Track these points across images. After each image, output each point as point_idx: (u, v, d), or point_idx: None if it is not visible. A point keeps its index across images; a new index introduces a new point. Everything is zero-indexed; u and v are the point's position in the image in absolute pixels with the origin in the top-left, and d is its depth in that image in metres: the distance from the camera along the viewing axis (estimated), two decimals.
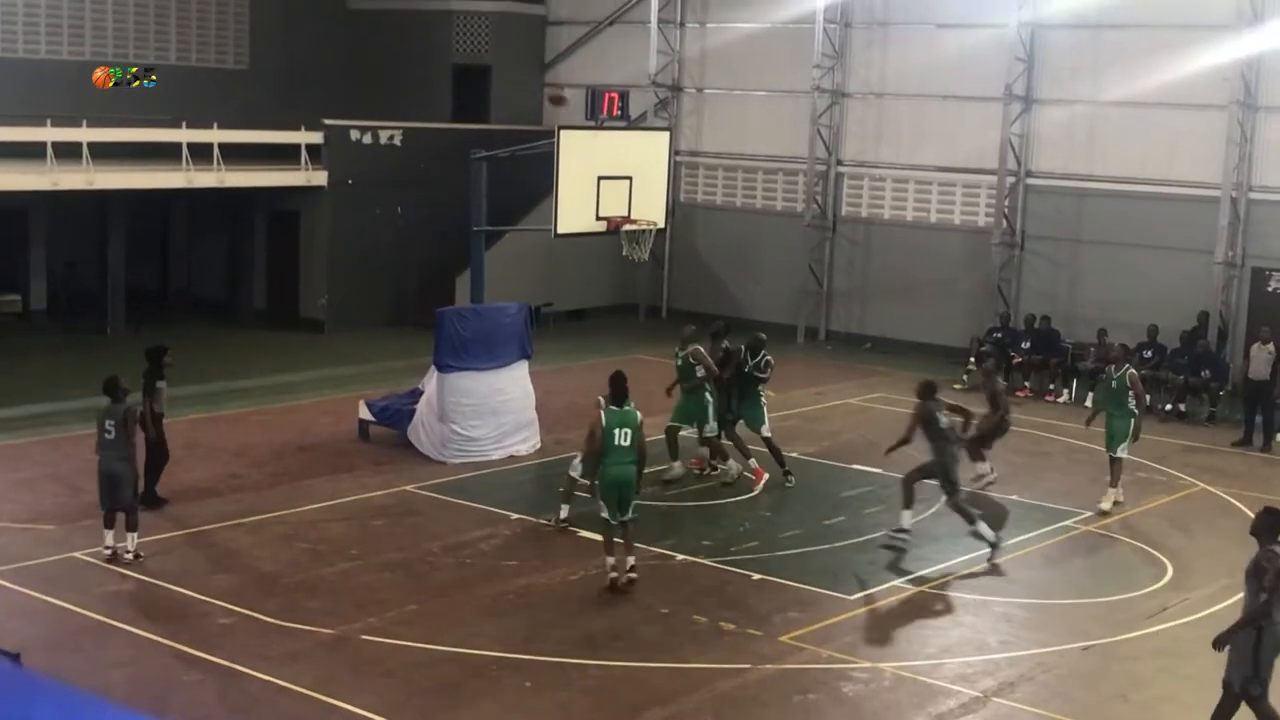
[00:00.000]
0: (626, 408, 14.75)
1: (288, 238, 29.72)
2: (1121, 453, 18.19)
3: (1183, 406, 24.05)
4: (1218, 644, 11.07)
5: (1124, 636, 13.99)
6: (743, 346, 19.03)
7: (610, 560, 14.72)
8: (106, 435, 14.94)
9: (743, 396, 18.93)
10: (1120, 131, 26.78)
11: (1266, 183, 25.41)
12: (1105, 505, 18.10)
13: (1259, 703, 11.00)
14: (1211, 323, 25.31)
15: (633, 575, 14.76)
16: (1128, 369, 18.48)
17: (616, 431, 14.63)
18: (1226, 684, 11.12)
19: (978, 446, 18.50)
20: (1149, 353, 24.68)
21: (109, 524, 15.00)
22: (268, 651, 12.85)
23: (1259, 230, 25.52)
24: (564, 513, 16.60)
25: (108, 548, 14.93)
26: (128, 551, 14.89)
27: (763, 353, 18.84)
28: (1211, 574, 15.97)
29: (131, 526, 14.99)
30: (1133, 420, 18.14)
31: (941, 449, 16.29)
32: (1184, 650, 13.79)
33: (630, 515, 14.70)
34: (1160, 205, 26.34)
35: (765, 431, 18.90)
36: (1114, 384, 18.36)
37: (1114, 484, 18.26)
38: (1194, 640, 14.02)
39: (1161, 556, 16.47)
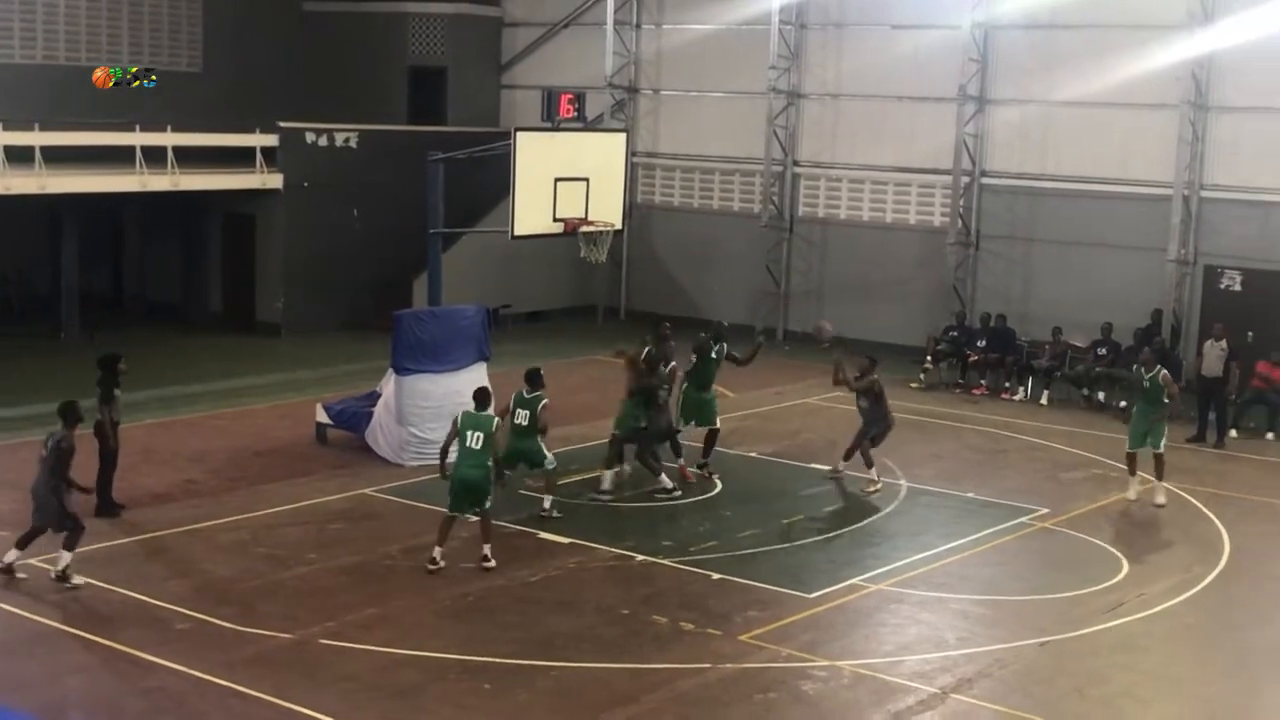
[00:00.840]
0: (484, 412, 15.38)
1: (243, 241, 29.53)
2: (1162, 447, 18.60)
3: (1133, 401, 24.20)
4: None
5: (1080, 632, 14.09)
6: (707, 335, 19.48)
7: (439, 549, 15.07)
8: (42, 454, 14.51)
9: (702, 386, 19.14)
10: (1073, 131, 26.99)
11: (1218, 181, 25.66)
12: (1160, 499, 18.47)
13: None
14: (1165, 320, 25.54)
15: (487, 564, 15.14)
16: (1159, 370, 18.81)
17: (469, 433, 15.16)
18: None
19: (864, 447, 18.69)
20: (1104, 350, 24.89)
21: (21, 543, 14.50)
22: (225, 657, 12.78)
23: (1211, 228, 25.77)
24: (545, 502, 17.13)
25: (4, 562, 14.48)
26: (55, 571, 14.34)
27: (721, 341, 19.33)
28: (1167, 569, 16.13)
29: (67, 546, 14.34)
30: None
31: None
32: (1140, 645, 13.93)
33: (485, 507, 15.25)
34: (1113, 204, 26.56)
35: (717, 423, 19.20)
36: (1147, 384, 18.73)
37: (1160, 477, 18.58)
38: (1150, 635, 14.20)
39: (1117, 552, 16.61)
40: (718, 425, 19.33)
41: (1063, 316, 26.00)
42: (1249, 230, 25.38)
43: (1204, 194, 25.78)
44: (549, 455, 16.94)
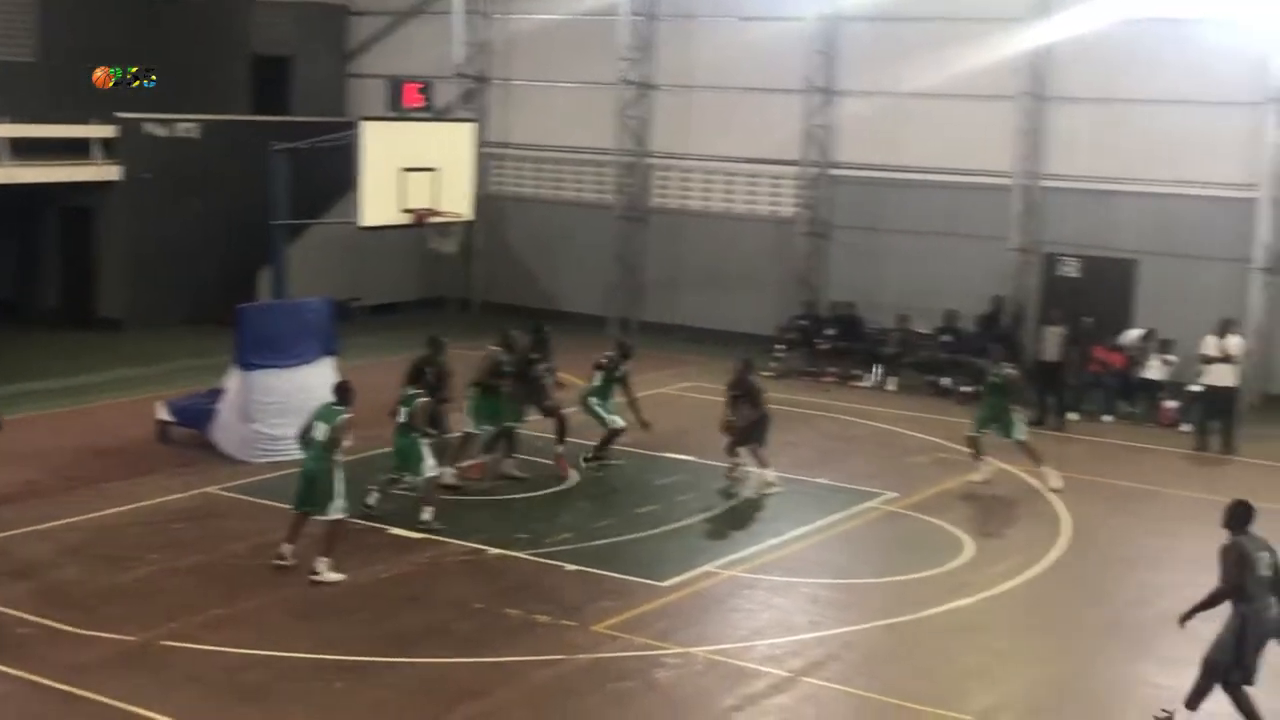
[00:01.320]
0: (335, 407, 14.98)
1: (82, 234, 28.79)
2: (1022, 435, 19.08)
3: (980, 388, 24.72)
4: (1182, 621, 11.55)
5: (927, 613, 14.36)
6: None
7: (288, 546, 14.84)
8: None
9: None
10: (918, 122, 27.44)
11: (1057, 170, 26.31)
12: (1054, 483, 18.86)
13: (1237, 690, 11.20)
14: (1006, 307, 26.14)
15: (314, 577, 14.54)
16: (1006, 367, 19.40)
17: (314, 424, 14.96)
18: (1205, 662, 11.35)
19: (739, 442, 18.71)
20: (948, 337, 25.39)
21: None
22: (68, 661, 12.44)
23: (1050, 217, 26.42)
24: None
25: None
26: None
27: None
28: (1009, 550, 16.53)
29: None
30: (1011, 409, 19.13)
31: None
32: (985, 625, 14.24)
33: (323, 514, 14.73)
34: (957, 194, 27.09)
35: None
36: (997, 379, 19.27)
37: (1039, 463, 19.03)
38: (994, 615, 14.53)
39: (961, 534, 16.95)
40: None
41: (909, 304, 26.47)
42: (1087, 218, 26.07)
43: (1043, 184, 26.41)
44: (429, 461, 16.41)
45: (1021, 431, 19.20)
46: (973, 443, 19.28)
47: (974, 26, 26.47)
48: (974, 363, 24.64)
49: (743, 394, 18.72)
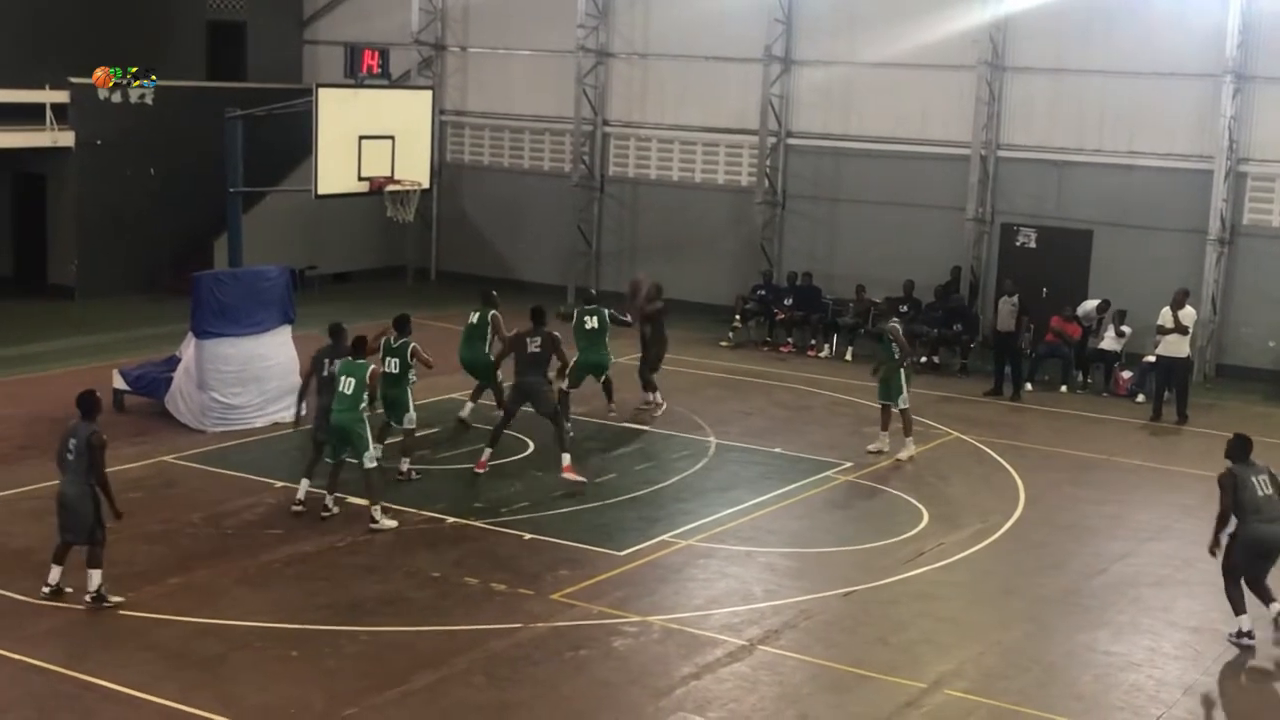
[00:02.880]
0: (359, 360, 15.58)
1: (34, 201, 28.50)
2: (902, 403, 18.87)
3: (936, 359, 24.92)
4: (1212, 551, 13.41)
5: (883, 582, 14.45)
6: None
7: (330, 497, 15.51)
8: (67, 456, 13.03)
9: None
10: (876, 92, 27.47)
11: (1013, 141, 26.40)
12: (905, 454, 18.80)
13: (1253, 584, 13.29)
14: (964, 277, 26.25)
15: (374, 525, 15.26)
16: (890, 323, 19.24)
17: (342, 379, 15.38)
18: (1223, 569, 13.37)
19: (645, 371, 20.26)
20: (905, 307, 25.45)
21: (59, 558, 13.09)
22: (20, 630, 12.38)
23: (1007, 187, 26.53)
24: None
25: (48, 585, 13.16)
26: (89, 594, 13.00)
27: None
28: (965, 519, 16.63)
29: (94, 564, 12.99)
30: (900, 371, 18.86)
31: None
32: (940, 594, 14.33)
33: (361, 462, 15.33)
34: (915, 164, 27.15)
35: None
36: (880, 341, 19.24)
37: (906, 432, 18.94)
38: (949, 583, 14.63)
39: (918, 503, 17.05)
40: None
41: (866, 274, 26.54)
42: (1043, 189, 26.20)
43: (1000, 154, 26.50)
44: (411, 413, 16.91)
45: (900, 399, 18.83)
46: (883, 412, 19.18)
47: None
48: (931, 332, 24.80)
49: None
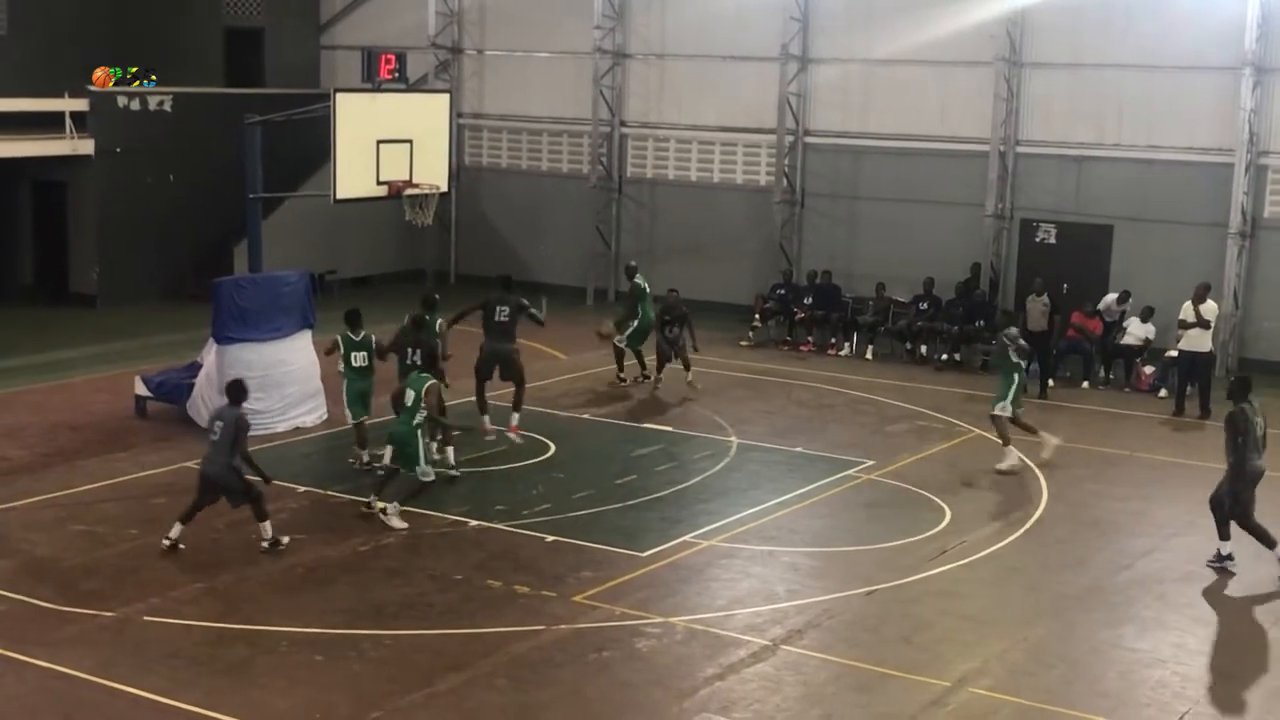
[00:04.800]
0: (423, 374, 16.03)
1: (55, 209, 28.60)
2: (996, 408, 18.46)
3: (958, 356, 24.86)
4: (1224, 492, 14.67)
5: (906, 580, 14.42)
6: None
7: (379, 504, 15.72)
8: (213, 436, 14.59)
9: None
10: (893, 89, 27.42)
11: (1032, 136, 26.31)
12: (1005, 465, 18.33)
13: (1240, 519, 14.66)
14: (984, 273, 26.18)
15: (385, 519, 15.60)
16: (1010, 329, 19.00)
17: (406, 392, 15.80)
18: (1210, 501, 14.91)
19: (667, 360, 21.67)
20: (925, 304, 25.43)
21: (185, 519, 14.64)
22: (46, 638, 12.42)
23: (1026, 183, 26.45)
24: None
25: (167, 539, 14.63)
26: (264, 541, 14.72)
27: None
28: (987, 516, 16.59)
29: (261, 516, 14.73)
30: (1015, 378, 18.43)
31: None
32: (963, 591, 14.29)
33: (413, 472, 15.64)
34: (933, 161, 27.09)
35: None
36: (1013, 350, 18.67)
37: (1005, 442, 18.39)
38: (972, 581, 14.59)
39: (940, 501, 17.01)
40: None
41: (886, 272, 26.49)
42: (1063, 184, 26.11)
43: (1019, 149, 26.42)
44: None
45: (996, 405, 18.56)
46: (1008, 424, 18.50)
47: None
48: (952, 329, 24.73)
49: (675, 319, 21.80)
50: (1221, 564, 14.84)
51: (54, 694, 11.47)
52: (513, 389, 18.76)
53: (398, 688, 11.70)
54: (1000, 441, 18.43)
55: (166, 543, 14.49)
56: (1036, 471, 18.34)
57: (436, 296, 19.03)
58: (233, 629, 12.73)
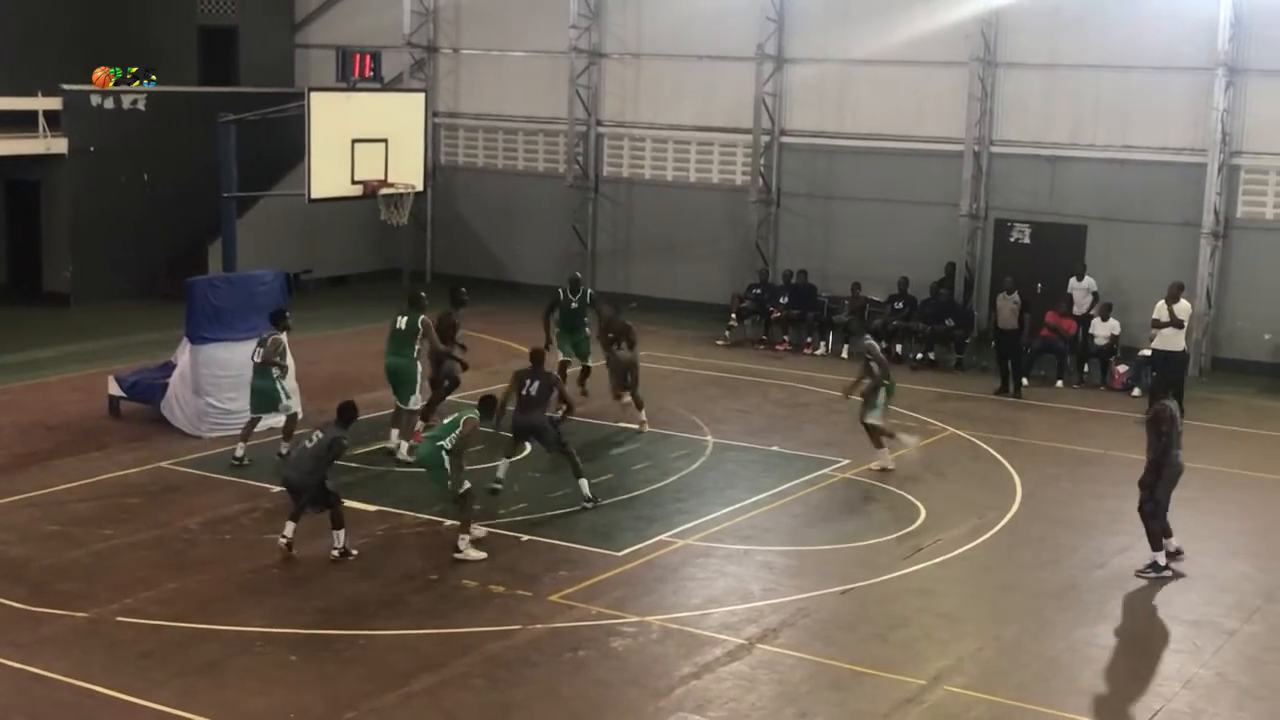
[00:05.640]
0: (470, 414, 15.16)
1: (28, 208, 28.47)
2: (871, 418, 18.26)
3: (932, 355, 24.92)
4: (1142, 485, 14.79)
5: (881, 579, 14.45)
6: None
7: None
8: (306, 444, 14.68)
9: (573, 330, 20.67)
10: (869, 89, 27.47)
11: (1006, 136, 26.40)
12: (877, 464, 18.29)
13: (1148, 518, 14.81)
14: (958, 273, 26.25)
15: (456, 555, 14.66)
16: (866, 341, 19.23)
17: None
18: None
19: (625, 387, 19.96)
20: (900, 304, 25.49)
21: (295, 516, 14.63)
22: (18, 639, 12.37)
23: (1000, 183, 26.53)
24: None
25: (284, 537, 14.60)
26: (336, 551, 14.56)
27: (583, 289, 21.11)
28: (962, 515, 16.63)
29: (339, 524, 14.62)
30: (881, 389, 18.24)
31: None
32: (938, 590, 14.33)
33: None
34: (908, 160, 27.15)
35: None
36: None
37: (876, 445, 18.35)
38: (948, 580, 14.63)
39: (915, 500, 17.05)
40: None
41: (861, 272, 26.55)
42: (1037, 184, 26.18)
43: (994, 149, 26.50)
44: (286, 401, 17.77)
45: (868, 415, 18.24)
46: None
47: None
48: (925, 329, 24.79)
49: (617, 336, 20.09)
50: (1159, 574, 14.72)
51: (27, 695, 11.41)
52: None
53: (373, 687, 11.68)
54: (874, 445, 18.26)
55: (283, 540, 14.51)
56: (1011, 470, 18.39)
57: (423, 294, 18.91)
58: (206, 629, 12.68)
